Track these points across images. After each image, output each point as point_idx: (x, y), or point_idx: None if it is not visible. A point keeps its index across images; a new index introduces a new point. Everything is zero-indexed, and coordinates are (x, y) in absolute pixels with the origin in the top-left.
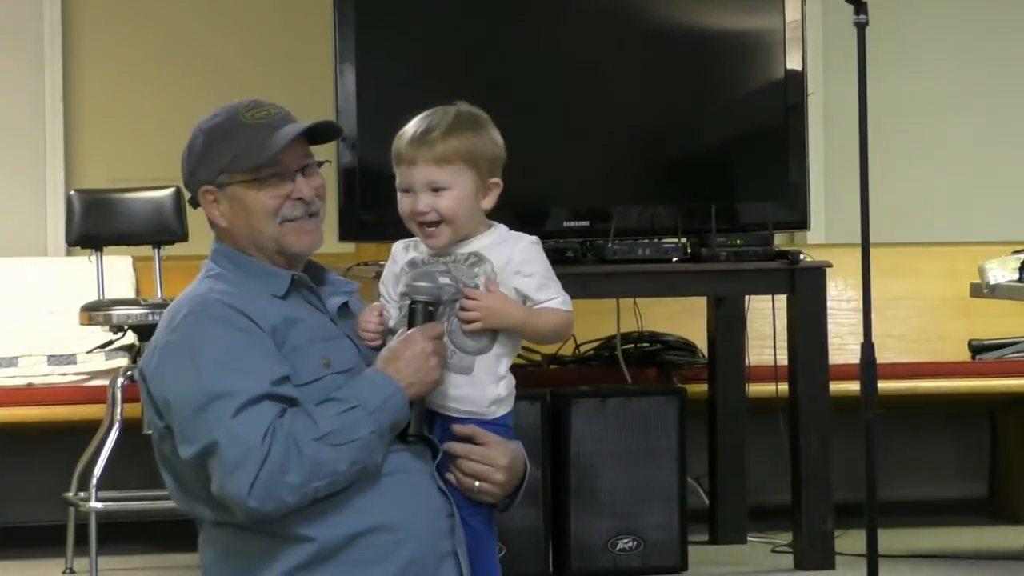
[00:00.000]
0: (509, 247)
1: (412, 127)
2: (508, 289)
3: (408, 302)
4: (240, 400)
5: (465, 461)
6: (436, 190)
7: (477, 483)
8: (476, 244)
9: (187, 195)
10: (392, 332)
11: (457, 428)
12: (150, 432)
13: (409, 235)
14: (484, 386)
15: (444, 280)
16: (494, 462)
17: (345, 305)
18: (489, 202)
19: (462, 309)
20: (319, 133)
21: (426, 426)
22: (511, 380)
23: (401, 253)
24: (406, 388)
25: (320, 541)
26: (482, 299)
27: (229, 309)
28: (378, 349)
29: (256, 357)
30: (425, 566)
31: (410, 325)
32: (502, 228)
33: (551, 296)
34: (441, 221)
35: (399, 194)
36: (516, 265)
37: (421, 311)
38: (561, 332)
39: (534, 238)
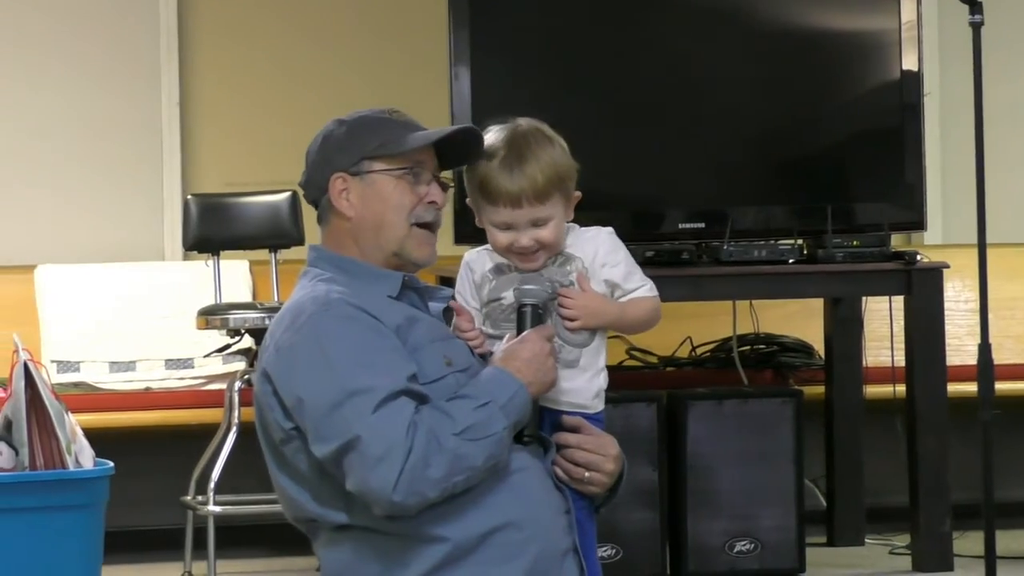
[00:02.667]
0: (592, 242)
1: (499, 162)
2: (598, 282)
3: (516, 305)
4: (379, 396)
5: (577, 451)
6: (536, 223)
7: (587, 473)
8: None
9: (305, 191)
10: (492, 338)
11: (566, 419)
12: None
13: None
14: (589, 378)
15: (539, 284)
16: (606, 451)
17: (445, 310)
18: (571, 214)
19: (561, 307)
20: (455, 152)
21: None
22: (607, 373)
23: (477, 261)
24: (527, 387)
25: (453, 540)
26: (579, 299)
27: (353, 308)
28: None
29: (387, 354)
30: (551, 563)
31: (519, 327)
32: (576, 226)
33: (638, 284)
34: (539, 248)
35: (493, 229)
36: (603, 257)
37: (531, 313)
38: (652, 319)
39: (609, 229)
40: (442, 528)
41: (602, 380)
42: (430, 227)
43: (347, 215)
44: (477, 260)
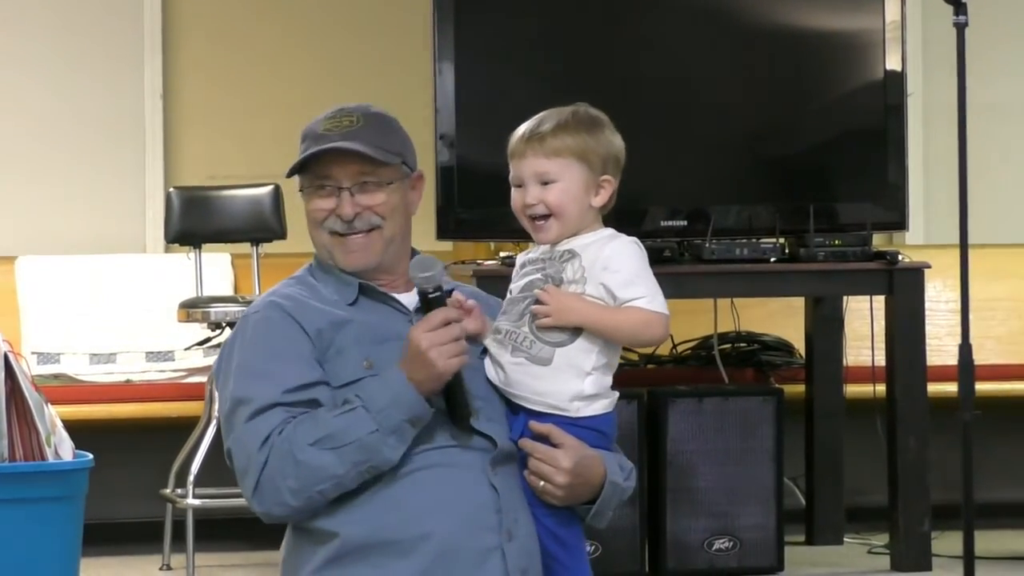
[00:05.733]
0: (602, 244)
1: (527, 124)
2: (595, 285)
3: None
4: (253, 407)
5: (530, 458)
6: (545, 183)
7: (542, 482)
8: (575, 242)
9: None
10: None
11: (534, 425)
12: None
13: (508, 239)
14: (565, 380)
15: (536, 276)
16: (556, 463)
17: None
18: (600, 200)
19: (538, 302)
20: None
21: (505, 421)
22: (602, 380)
23: (520, 258)
24: (418, 384)
25: (342, 536)
26: (554, 295)
27: (279, 312)
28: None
29: (285, 362)
30: (462, 560)
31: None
32: (607, 230)
33: (637, 295)
34: (550, 215)
35: (512, 189)
36: (604, 261)
37: (423, 302)
38: (646, 332)
39: (633, 239)
40: (333, 523)
41: (586, 385)
42: (360, 232)
43: None
44: (521, 257)
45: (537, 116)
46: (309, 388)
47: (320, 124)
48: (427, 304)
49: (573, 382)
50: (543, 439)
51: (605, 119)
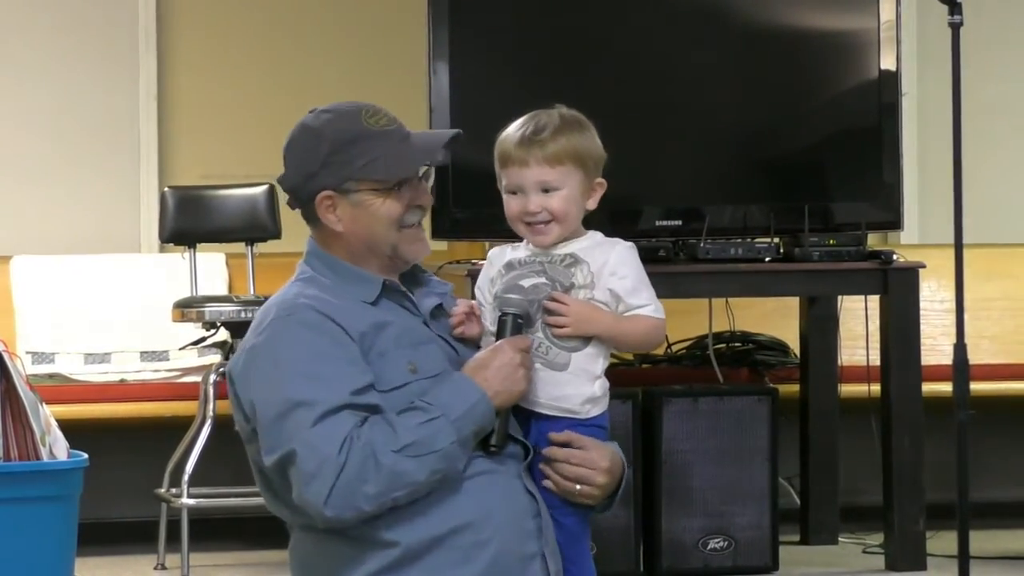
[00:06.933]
0: (605, 250)
1: (517, 129)
2: (603, 290)
3: (499, 313)
4: (319, 410)
5: (565, 465)
6: (547, 190)
7: (579, 486)
8: (573, 247)
9: (288, 196)
10: (494, 336)
11: (553, 435)
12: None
13: (504, 238)
14: (579, 384)
15: (540, 280)
16: (595, 465)
17: (439, 307)
18: (593, 202)
19: (548, 313)
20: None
21: (520, 428)
22: (605, 381)
23: (498, 256)
24: (492, 396)
25: (403, 545)
26: (572, 305)
27: (317, 314)
28: (468, 342)
29: (339, 365)
30: (510, 566)
31: (499, 336)
32: (598, 234)
33: (643, 302)
34: (551, 220)
35: (506, 196)
36: (612, 267)
37: (511, 323)
38: (650, 338)
39: (630, 244)
40: (393, 532)
41: (596, 388)
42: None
43: (336, 229)
44: (498, 255)
45: (523, 120)
46: (368, 391)
47: (375, 121)
48: (515, 328)
49: (585, 386)
50: (563, 446)
51: (586, 119)
